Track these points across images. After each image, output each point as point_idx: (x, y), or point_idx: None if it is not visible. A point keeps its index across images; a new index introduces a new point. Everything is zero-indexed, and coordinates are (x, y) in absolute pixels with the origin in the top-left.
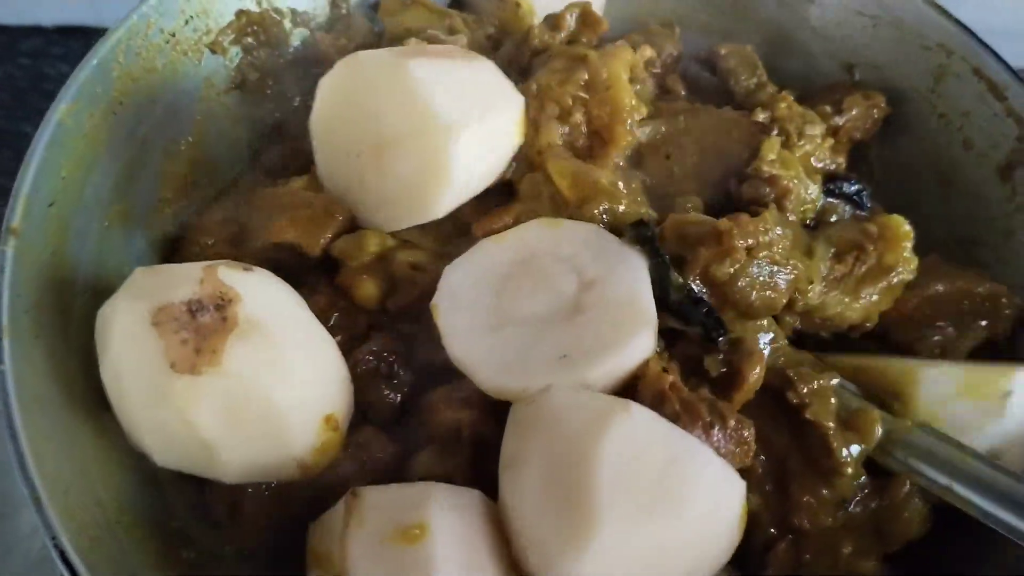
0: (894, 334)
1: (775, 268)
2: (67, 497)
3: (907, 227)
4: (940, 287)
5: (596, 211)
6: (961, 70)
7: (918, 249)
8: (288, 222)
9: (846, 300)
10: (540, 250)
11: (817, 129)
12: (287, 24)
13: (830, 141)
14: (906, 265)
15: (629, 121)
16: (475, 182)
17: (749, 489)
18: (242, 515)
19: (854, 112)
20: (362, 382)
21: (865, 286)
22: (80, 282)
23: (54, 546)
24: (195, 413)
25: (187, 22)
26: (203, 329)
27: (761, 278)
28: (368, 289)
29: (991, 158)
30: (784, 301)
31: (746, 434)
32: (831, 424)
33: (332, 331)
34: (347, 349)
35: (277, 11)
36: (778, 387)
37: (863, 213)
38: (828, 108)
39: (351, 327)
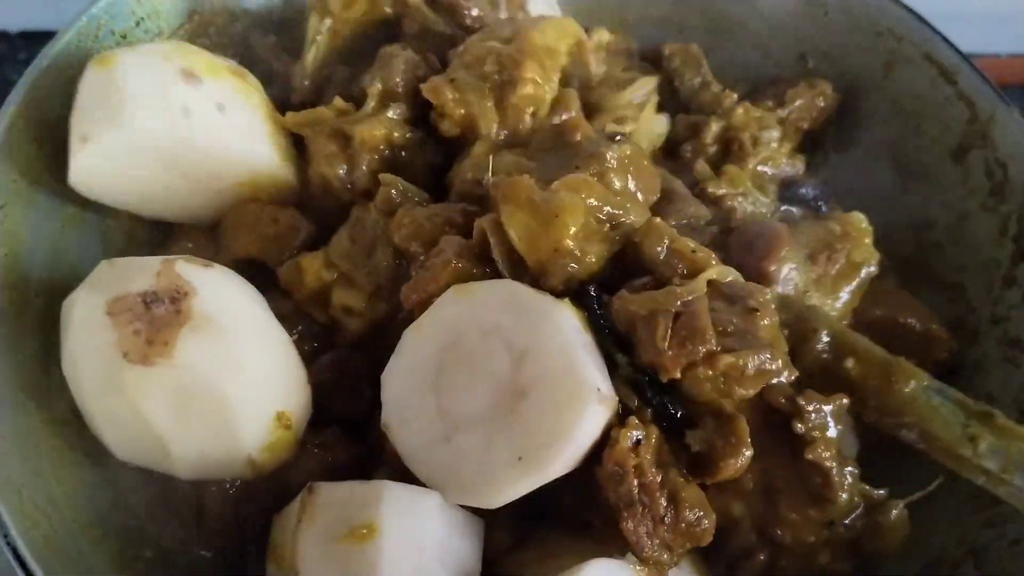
0: None
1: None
2: (20, 496)
3: (866, 224)
4: (878, 312)
5: (557, 280)
6: (912, 55)
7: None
8: (254, 239)
9: (828, 301)
10: (462, 327)
11: (774, 133)
12: (239, 25)
13: (787, 145)
14: (872, 260)
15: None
16: None
17: (736, 496)
18: (206, 514)
19: (797, 103)
20: (325, 389)
21: (842, 284)
22: (35, 283)
23: (7, 544)
24: (145, 404)
25: (138, 23)
26: (157, 321)
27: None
28: (319, 318)
29: (944, 142)
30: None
31: (702, 526)
32: (832, 465)
33: (300, 338)
34: (310, 356)
35: (231, 12)
36: (784, 412)
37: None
38: (770, 103)
39: (315, 336)
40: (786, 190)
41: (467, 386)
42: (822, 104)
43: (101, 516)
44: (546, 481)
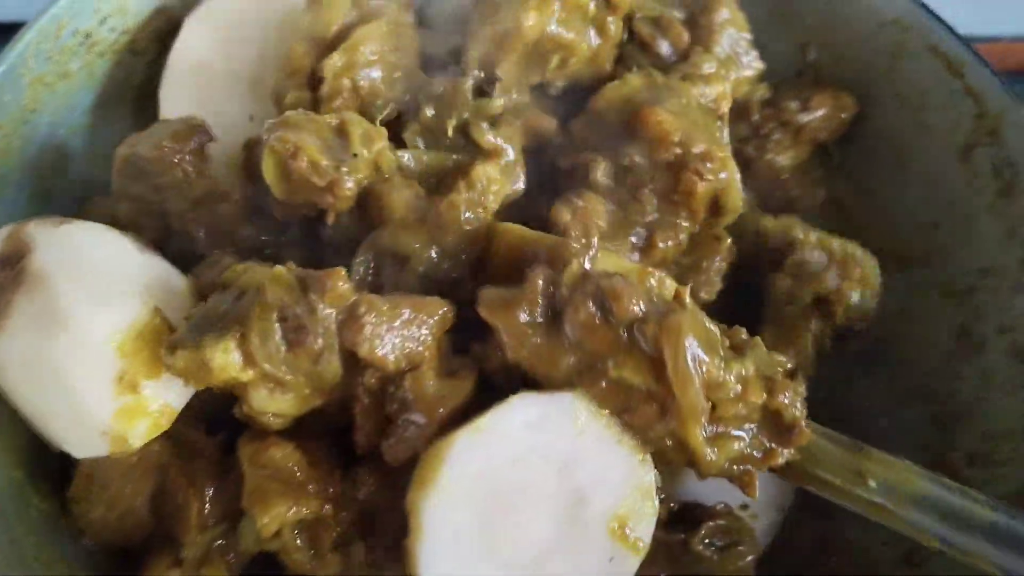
0: None
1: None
2: None
3: None
4: None
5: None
6: (917, 47)
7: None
8: None
9: None
10: (493, 469)
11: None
12: None
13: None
14: None
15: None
16: None
17: None
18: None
19: (821, 112)
20: None
21: None
22: None
23: None
24: (7, 379)
25: (102, 22)
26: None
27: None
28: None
29: (950, 139)
30: None
31: None
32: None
33: None
34: None
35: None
36: None
37: None
38: (793, 104)
39: None
40: None
41: (524, 523)
42: (843, 117)
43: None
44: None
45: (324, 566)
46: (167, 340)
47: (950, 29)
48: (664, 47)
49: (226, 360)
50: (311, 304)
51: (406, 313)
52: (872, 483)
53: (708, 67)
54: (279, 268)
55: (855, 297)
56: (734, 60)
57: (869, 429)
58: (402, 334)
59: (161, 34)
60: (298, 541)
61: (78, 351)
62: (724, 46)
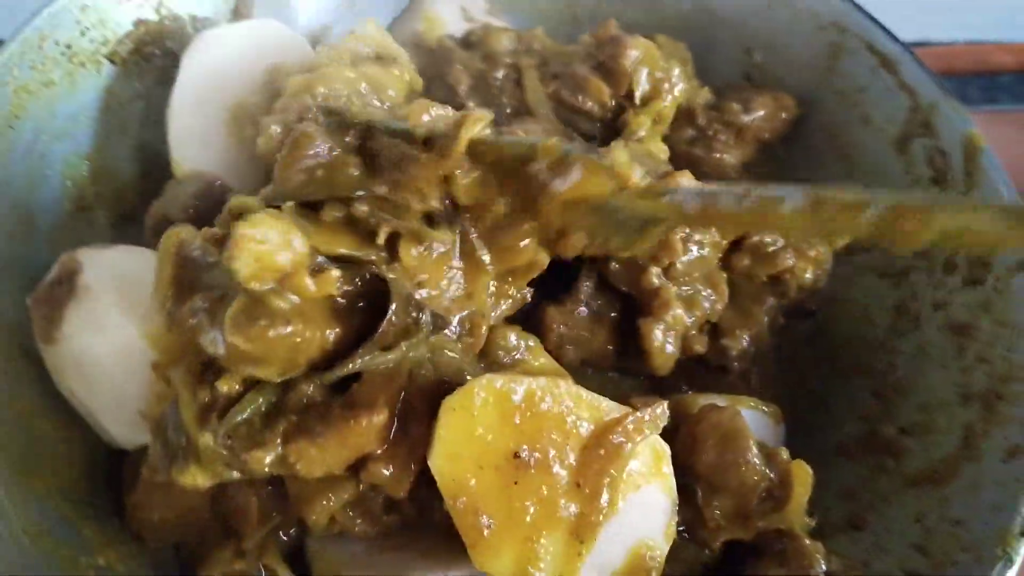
0: None
1: None
2: None
3: None
4: None
5: None
6: (855, 46)
7: None
8: None
9: None
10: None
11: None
12: (189, 30)
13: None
14: None
15: None
16: None
17: None
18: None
19: (762, 113)
20: None
21: None
22: None
23: None
24: (65, 381)
25: (83, 33)
26: (54, 301)
27: None
28: None
29: (887, 132)
30: None
31: None
32: None
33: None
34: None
35: (176, 18)
36: None
37: None
38: (736, 106)
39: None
40: None
41: None
42: (784, 117)
43: (52, 529)
44: None
45: (385, 527)
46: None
47: (885, 29)
48: (588, 104)
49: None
50: None
51: None
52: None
53: (641, 131)
54: None
55: (808, 275)
56: (658, 93)
57: (815, 402)
58: None
59: (140, 44)
60: (354, 517)
61: (118, 347)
62: (644, 85)
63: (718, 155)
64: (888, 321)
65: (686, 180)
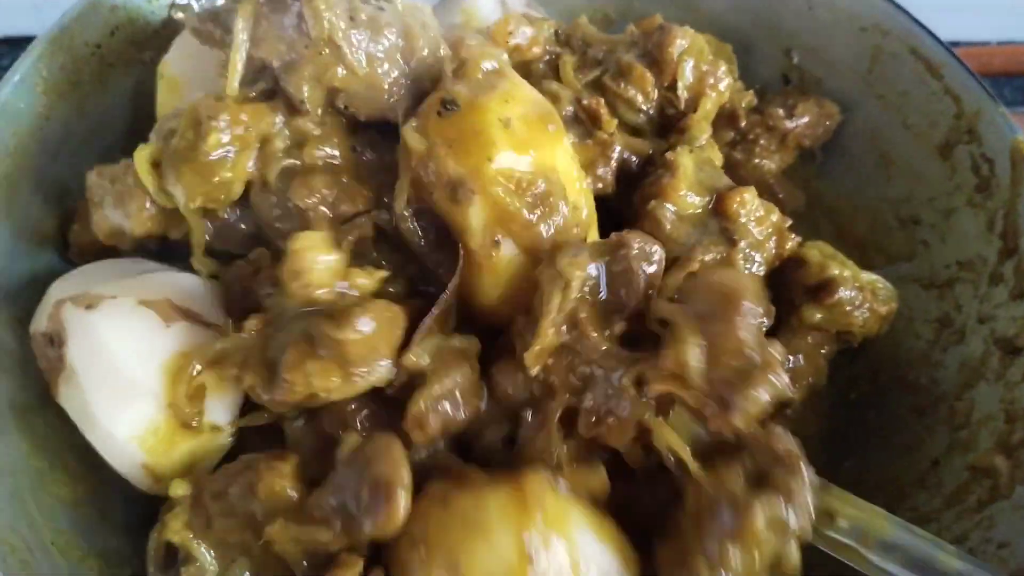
0: None
1: None
2: None
3: None
4: None
5: None
6: (897, 50)
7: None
8: None
9: None
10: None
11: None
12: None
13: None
14: None
15: None
16: None
17: None
18: None
19: (806, 119)
20: None
21: None
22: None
23: None
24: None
25: (112, 33)
26: (48, 363)
27: None
28: None
29: (930, 137)
30: None
31: None
32: None
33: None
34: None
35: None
36: None
37: None
38: (779, 111)
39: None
40: None
41: None
42: (828, 125)
43: (80, 538)
44: None
45: None
46: None
47: (929, 32)
48: (631, 92)
49: None
50: None
51: None
52: (842, 523)
53: (703, 137)
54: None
55: (875, 328)
56: (702, 88)
57: (855, 418)
58: None
59: (168, 43)
60: None
61: (108, 443)
62: (688, 77)
63: (758, 160)
64: (931, 334)
65: (749, 196)
